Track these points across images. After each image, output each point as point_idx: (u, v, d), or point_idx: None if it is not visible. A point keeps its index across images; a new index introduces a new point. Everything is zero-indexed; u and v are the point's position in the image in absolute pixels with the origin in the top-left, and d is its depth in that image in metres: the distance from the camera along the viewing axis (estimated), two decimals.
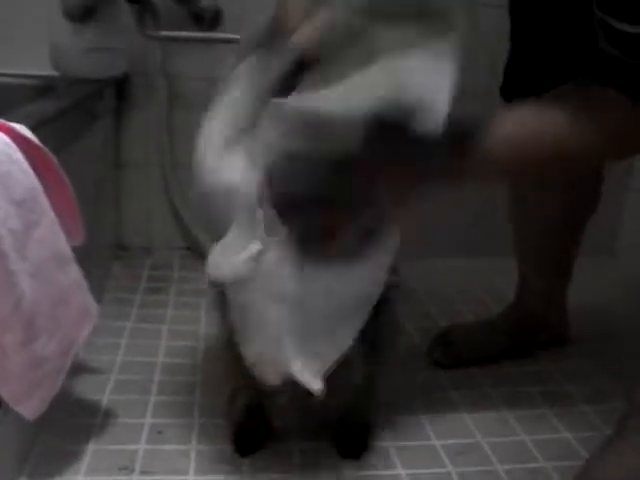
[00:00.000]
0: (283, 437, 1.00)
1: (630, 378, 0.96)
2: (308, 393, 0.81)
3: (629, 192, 1.79)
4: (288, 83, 0.81)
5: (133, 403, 1.08)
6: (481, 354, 1.26)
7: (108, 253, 1.62)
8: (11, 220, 0.75)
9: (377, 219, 0.84)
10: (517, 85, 1.12)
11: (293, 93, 0.81)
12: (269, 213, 0.80)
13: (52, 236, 0.84)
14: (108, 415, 1.04)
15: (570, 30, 1.02)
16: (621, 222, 1.83)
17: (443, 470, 0.97)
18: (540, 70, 1.06)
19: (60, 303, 0.85)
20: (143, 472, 0.93)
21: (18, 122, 0.83)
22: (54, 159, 0.86)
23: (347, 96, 0.77)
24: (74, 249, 0.89)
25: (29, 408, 0.81)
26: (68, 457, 0.94)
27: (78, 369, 1.10)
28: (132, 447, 0.97)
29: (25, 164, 0.79)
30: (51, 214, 0.84)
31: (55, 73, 1.46)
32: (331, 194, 0.79)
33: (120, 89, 1.59)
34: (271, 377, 0.83)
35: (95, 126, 1.41)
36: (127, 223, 1.69)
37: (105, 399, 1.08)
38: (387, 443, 1.02)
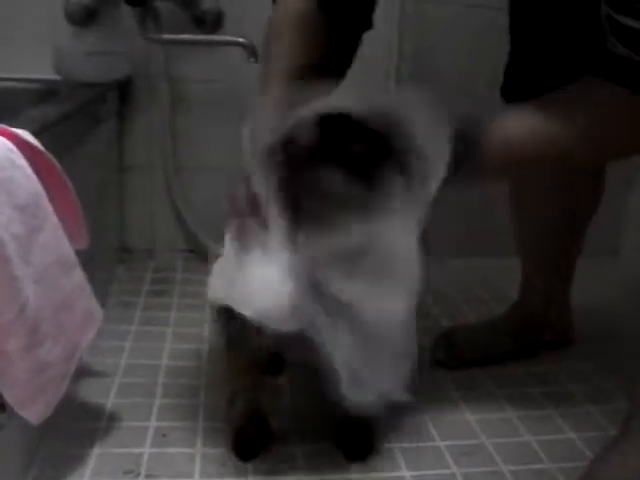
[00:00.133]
0: (285, 440, 1.00)
1: (633, 378, 0.96)
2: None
3: (632, 192, 1.78)
4: None
5: (137, 406, 1.08)
6: (484, 355, 1.26)
7: (112, 256, 1.62)
8: (14, 225, 0.75)
9: None
10: (517, 85, 1.12)
11: None
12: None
13: (56, 241, 0.84)
14: (113, 418, 1.05)
15: (573, 29, 1.02)
16: (623, 222, 1.82)
17: (448, 471, 0.97)
18: (540, 70, 1.06)
19: (64, 308, 0.85)
20: (148, 475, 0.93)
21: (21, 127, 0.83)
22: (57, 164, 0.87)
23: None
24: (78, 253, 0.90)
25: (34, 413, 0.81)
26: (73, 461, 0.94)
27: (82, 373, 1.10)
28: (137, 450, 0.98)
29: (28, 169, 0.79)
30: (54, 219, 0.84)
31: (57, 77, 1.46)
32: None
33: (123, 92, 1.59)
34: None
35: (98, 130, 1.41)
36: (130, 226, 1.70)
37: (109, 402, 1.08)
38: (391, 444, 1.02)
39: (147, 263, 1.67)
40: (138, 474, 0.93)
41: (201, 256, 1.68)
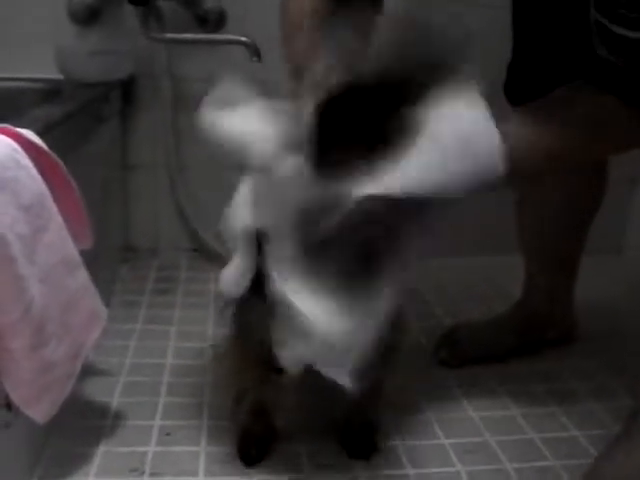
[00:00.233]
0: (289, 439, 1.00)
1: (636, 376, 0.96)
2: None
3: (636, 190, 1.78)
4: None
5: (142, 405, 1.08)
6: (487, 353, 1.26)
7: (116, 255, 1.62)
8: (19, 225, 0.75)
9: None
10: (519, 85, 1.12)
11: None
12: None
13: (60, 241, 0.84)
14: (118, 417, 1.05)
15: (569, 32, 1.02)
16: (628, 220, 1.82)
17: (452, 469, 0.97)
18: (541, 70, 1.06)
19: (69, 308, 0.86)
20: (153, 474, 0.93)
21: (25, 127, 0.83)
22: (61, 164, 0.87)
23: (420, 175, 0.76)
24: (82, 252, 0.90)
25: (39, 412, 0.82)
26: (78, 459, 0.95)
27: (87, 372, 1.10)
28: (142, 449, 0.98)
29: (33, 169, 0.80)
30: (59, 219, 0.84)
31: (60, 76, 1.46)
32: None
33: (126, 92, 1.59)
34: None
35: (101, 129, 1.42)
36: (134, 225, 1.70)
37: (114, 401, 1.09)
38: (395, 443, 1.02)
39: (151, 262, 1.68)
40: (143, 472, 0.93)
41: (205, 255, 1.68)
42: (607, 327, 1.40)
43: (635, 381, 0.97)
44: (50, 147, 0.85)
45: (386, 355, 0.93)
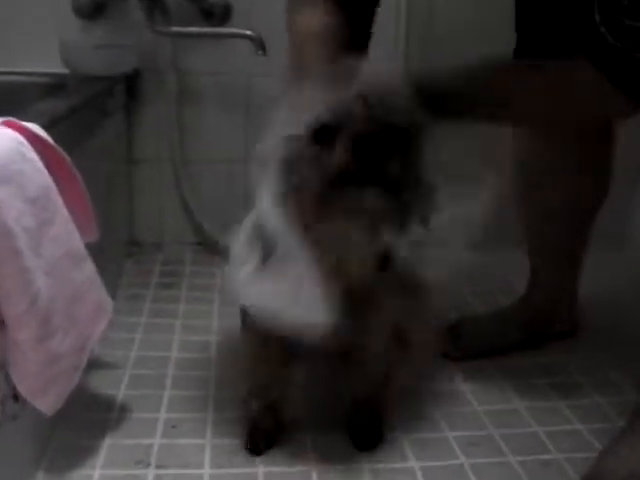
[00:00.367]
0: (295, 429, 1.01)
1: None
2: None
3: (639, 186, 1.78)
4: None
5: (148, 398, 1.09)
6: (491, 346, 1.26)
7: (121, 249, 1.63)
8: (25, 218, 0.76)
9: None
10: None
11: None
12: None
13: (66, 234, 0.85)
14: (123, 410, 1.05)
15: (572, 13, 1.02)
16: (632, 215, 1.82)
17: (456, 462, 0.97)
18: (544, 55, 1.07)
19: (75, 300, 0.86)
20: (159, 466, 0.94)
21: (31, 121, 0.83)
22: (67, 157, 0.87)
23: None
24: (87, 246, 0.90)
25: (46, 403, 0.82)
26: (84, 452, 0.95)
27: (93, 364, 1.11)
28: (147, 441, 0.98)
29: (39, 163, 0.80)
30: (65, 212, 0.84)
31: (65, 70, 1.47)
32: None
33: (131, 85, 1.59)
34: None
35: (106, 123, 1.42)
36: (139, 219, 1.70)
37: (120, 394, 1.09)
38: (400, 435, 1.02)
39: (155, 256, 1.68)
40: (149, 464, 0.94)
41: (209, 249, 1.69)
42: (611, 322, 1.40)
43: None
44: (55, 141, 0.86)
45: (394, 349, 0.94)
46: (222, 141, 1.65)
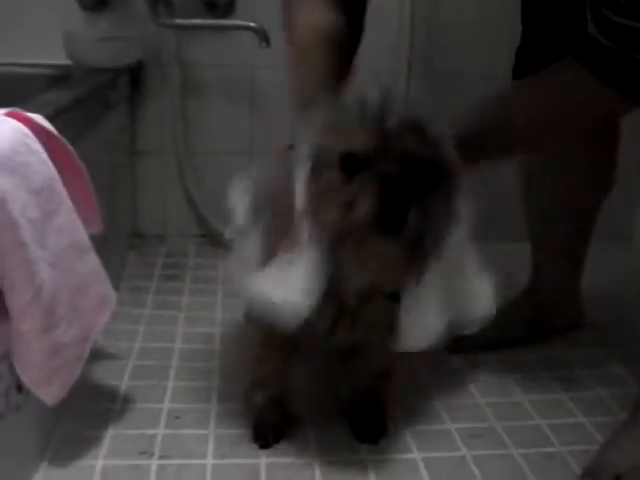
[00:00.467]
0: (298, 422, 1.01)
1: None
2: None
3: None
4: None
5: (151, 388, 1.09)
6: (494, 340, 1.26)
7: (124, 241, 1.63)
8: (30, 209, 0.76)
9: None
10: (526, 66, 1.14)
11: None
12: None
13: (70, 225, 0.85)
14: (127, 400, 1.06)
15: (569, 19, 1.03)
16: (637, 208, 1.82)
17: (458, 454, 0.98)
18: (544, 55, 1.07)
19: (79, 291, 0.86)
20: (162, 456, 0.94)
21: (35, 112, 0.84)
22: (71, 149, 0.87)
23: None
24: (91, 237, 0.91)
25: (49, 394, 0.83)
26: (88, 442, 0.96)
27: (97, 355, 1.11)
28: (151, 432, 0.99)
29: (43, 154, 0.80)
30: (69, 203, 0.84)
31: (69, 62, 1.47)
32: None
33: (134, 78, 1.59)
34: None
35: (110, 115, 1.42)
36: (143, 211, 1.70)
37: (124, 385, 1.10)
38: (402, 427, 1.02)
39: (159, 248, 1.68)
40: (152, 455, 0.94)
41: (213, 241, 1.69)
42: (614, 315, 1.40)
43: None
44: (59, 132, 0.86)
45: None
46: (226, 133, 1.65)
